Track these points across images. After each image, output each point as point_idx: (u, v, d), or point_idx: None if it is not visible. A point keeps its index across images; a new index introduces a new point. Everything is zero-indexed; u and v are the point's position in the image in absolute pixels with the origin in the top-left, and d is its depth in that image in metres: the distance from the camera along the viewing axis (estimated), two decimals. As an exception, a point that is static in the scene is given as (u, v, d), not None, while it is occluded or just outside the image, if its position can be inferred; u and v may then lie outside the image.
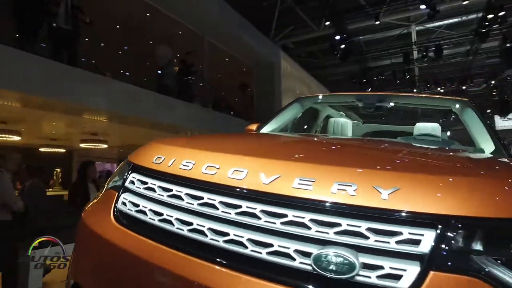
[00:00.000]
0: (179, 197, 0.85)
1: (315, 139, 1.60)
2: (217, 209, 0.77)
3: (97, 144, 8.64)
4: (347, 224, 0.64)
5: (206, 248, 0.74)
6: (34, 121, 6.36)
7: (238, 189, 0.77)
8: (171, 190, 0.88)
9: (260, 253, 0.67)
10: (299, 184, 0.72)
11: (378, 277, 0.59)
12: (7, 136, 6.67)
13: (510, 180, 0.71)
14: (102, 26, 8.17)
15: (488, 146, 1.83)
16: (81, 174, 4.19)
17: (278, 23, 14.48)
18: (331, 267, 0.60)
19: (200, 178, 0.84)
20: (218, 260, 0.70)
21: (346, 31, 12.54)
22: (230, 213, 0.75)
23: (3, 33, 4.48)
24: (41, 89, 4.32)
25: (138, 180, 0.99)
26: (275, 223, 0.69)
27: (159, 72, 7.50)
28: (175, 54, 7.84)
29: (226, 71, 11.87)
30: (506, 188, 0.66)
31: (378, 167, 0.74)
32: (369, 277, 0.59)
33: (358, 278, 0.60)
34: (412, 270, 0.58)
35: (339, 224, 0.65)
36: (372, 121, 3.58)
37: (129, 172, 1.04)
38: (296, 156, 0.87)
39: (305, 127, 3.57)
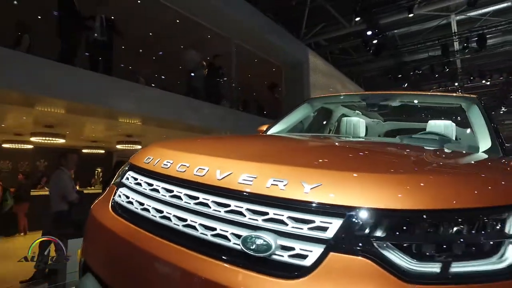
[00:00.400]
0: (157, 191, 1.04)
1: (277, 139, 1.72)
2: (182, 200, 0.95)
3: (131, 145, 9.29)
4: (273, 213, 0.78)
5: (171, 230, 0.92)
6: (76, 125, 7.05)
7: (198, 184, 0.94)
8: (152, 185, 1.07)
9: (206, 235, 0.84)
10: (243, 179, 0.87)
11: (289, 256, 0.73)
12: (53, 139, 7.50)
13: (422, 176, 0.81)
14: (137, 34, 8.79)
15: (485, 144, 1.83)
16: (113, 173, 4.63)
17: (308, 21, 14.47)
18: (253, 247, 0.75)
19: (174, 175, 1.02)
20: (177, 240, 0.87)
21: (378, 26, 12.19)
22: (190, 203, 0.92)
23: (48, 49, 5.05)
24: (80, 96, 4.81)
25: (132, 177, 1.20)
26: (220, 211, 0.85)
27: (191, 75, 7.91)
28: (204, 57, 8.20)
29: (256, 71, 12.10)
30: (408, 183, 0.77)
31: (309, 165, 0.87)
32: (282, 256, 0.73)
33: (273, 256, 0.74)
34: (316, 251, 0.71)
35: (267, 213, 0.79)
36: (392, 119, 3.59)
37: (127, 170, 1.26)
38: (249, 155, 1.02)
39: (318, 126, 3.66)
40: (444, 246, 0.70)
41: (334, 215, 0.74)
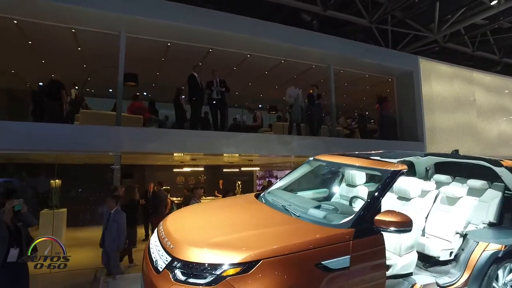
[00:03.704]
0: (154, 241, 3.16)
1: (196, 219, 3.40)
2: (158, 250, 3.01)
3: (251, 167, 12.19)
4: (165, 254, 2.73)
5: (150, 256, 3.00)
6: (211, 159, 10.38)
7: (162, 242, 2.98)
8: (156, 242, 3.19)
9: (157, 261, 2.84)
10: (166, 241, 2.85)
11: (160, 267, 2.63)
12: (197, 168, 11.40)
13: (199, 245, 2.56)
14: (251, 80, 11.49)
15: (352, 215, 3.02)
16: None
17: (442, 9, 13.85)
18: (156, 264, 2.70)
19: (159, 236, 3.12)
20: (150, 259, 2.96)
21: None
22: (158, 251, 2.97)
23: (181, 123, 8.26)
24: (205, 148, 7.67)
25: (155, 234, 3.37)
26: (159, 252, 2.87)
27: (291, 109, 9.79)
28: (302, 90, 9.93)
29: (366, 88, 12.71)
30: (188, 250, 2.56)
31: (177, 236, 2.77)
32: (159, 267, 2.64)
33: (158, 267, 2.66)
34: (163, 266, 2.53)
35: (163, 254, 2.75)
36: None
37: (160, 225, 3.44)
38: (177, 230, 2.97)
39: (331, 176, 4.96)
40: (179, 273, 2.47)
41: (171, 256, 2.63)
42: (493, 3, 10.61)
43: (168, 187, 11.25)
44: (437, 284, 3.50)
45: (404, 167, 3.42)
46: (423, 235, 4.33)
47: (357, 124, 12.24)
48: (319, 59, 9.82)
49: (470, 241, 3.89)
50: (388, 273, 3.40)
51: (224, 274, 2.39)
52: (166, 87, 10.53)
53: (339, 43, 9.58)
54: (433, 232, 4.27)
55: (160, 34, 7.95)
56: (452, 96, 11.63)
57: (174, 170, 13.29)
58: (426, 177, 5.53)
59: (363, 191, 4.45)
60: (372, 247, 2.90)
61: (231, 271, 2.39)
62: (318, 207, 3.37)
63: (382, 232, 2.92)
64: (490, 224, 4.38)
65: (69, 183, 10.78)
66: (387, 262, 3.41)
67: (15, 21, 7.23)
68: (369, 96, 13.06)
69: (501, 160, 4.37)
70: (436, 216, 4.37)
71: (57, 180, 9.62)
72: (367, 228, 2.91)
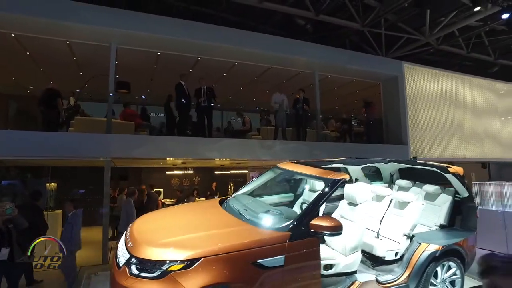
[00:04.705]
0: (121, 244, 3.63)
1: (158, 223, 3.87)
2: (122, 249, 3.49)
3: (240, 170, 12.75)
4: (126, 252, 3.21)
5: (117, 256, 3.48)
6: (199, 162, 10.89)
7: (126, 242, 3.47)
8: (122, 241, 3.67)
9: (119, 258, 3.32)
10: (129, 241, 3.33)
11: (121, 263, 3.13)
12: (187, 170, 11.96)
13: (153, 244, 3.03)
14: (242, 85, 11.94)
15: (293, 219, 3.47)
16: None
17: (432, 14, 14.16)
18: (120, 261, 3.17)
19: (125, 238, 3.60)
20: (116, 259, 3.43)
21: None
22: (122, 250, 3.46)
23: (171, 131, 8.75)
24: (191, 154, 8.14)
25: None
26: (122, 251, 3.35)
27: (277, 114, 10.22)
28: (292, 93, 10.34)
29: (355, 92, 13.09)
30: (142, 248, 3.03)
31: (138, 236, 3.25)
32: (120, 263, 3.15)
33: (119, 263, 3.14)
34: (123, 262, 3.08)
35: (124, 252, 3.22)
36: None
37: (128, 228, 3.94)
38: (140, 232, 3.43)
39: (298, 182, 5.41)
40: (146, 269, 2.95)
41: (129, 254, 3.08)
42: (476, 9, 10.91)
43: (160, 190, 11.78)
44: (377, 281, 3.92)
45: (345, 177, 3.84)
46: (377, 237, 4.75)
47: (345, 126, 12.58)
48: (305, 66, 10.23)
49: (414, 242, 4.31)
50: (332, 271, 3.85)
51: (169, 269, 2.86)
52: (160, 92, 11.09)
53: (323, 50, 9.98)
54: (386, 234, 4.69)
55: (149, 45, 8.46)
56: (437, 99, 11.94)
57: (169, 172, 13.85)
58: (391, 182, 5.95)
59: (322, 196, 4.89)
60: (306, 248, 3.34)
61: (176, 267, 2.86)
62: (267, 211, 3.81)
63: (318, 235, 3.37)
64: (441, 227, 4.79)
65: (64, 184, 11.37)
66: (331, 262, 3.87)
67: (13, 35, 7.78)
68: (359, 99, 13.44)
69: (449, 167, 4.78)
70: (389, 219, 4.79)
71: (52, 183, 10.20)
72: (303, 231, 3.35)
